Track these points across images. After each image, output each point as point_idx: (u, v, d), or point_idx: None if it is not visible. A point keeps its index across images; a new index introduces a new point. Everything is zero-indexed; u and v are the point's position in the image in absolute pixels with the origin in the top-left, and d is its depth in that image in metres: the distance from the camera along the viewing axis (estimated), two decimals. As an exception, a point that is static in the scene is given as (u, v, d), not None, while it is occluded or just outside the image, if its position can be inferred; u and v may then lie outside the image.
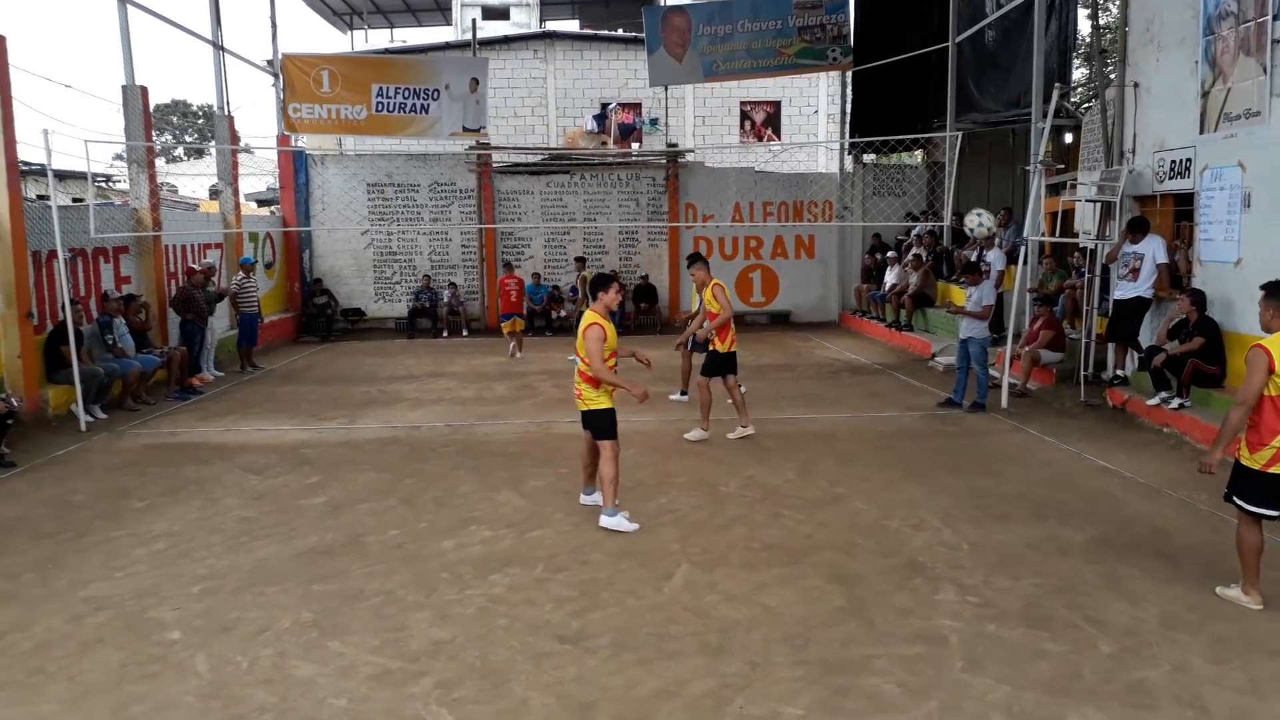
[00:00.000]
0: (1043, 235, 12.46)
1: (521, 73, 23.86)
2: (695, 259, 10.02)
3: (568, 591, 5.52)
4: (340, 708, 4.22)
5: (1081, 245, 12.04)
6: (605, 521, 6.57)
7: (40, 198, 14.51)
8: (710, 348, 9.53)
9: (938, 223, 16.41)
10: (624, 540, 6.40)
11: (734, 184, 19.69)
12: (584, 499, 7.12)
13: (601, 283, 6.82)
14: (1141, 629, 4.94)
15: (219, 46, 16.56)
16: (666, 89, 20.24)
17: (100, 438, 9.75)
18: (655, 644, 4.82)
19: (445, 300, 19.20)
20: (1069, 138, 15.69)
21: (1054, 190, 13.38)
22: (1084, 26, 18.93)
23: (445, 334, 18.86)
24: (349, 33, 31.55)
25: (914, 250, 17.25)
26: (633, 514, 6.97)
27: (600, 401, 6.63)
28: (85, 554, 6.28)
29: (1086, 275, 11.48)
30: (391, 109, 18.12)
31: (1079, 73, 22.23)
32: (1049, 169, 12.02)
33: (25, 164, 11.55)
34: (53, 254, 10.67)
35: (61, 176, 12.52)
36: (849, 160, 20.55)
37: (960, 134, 12.92)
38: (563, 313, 19.12)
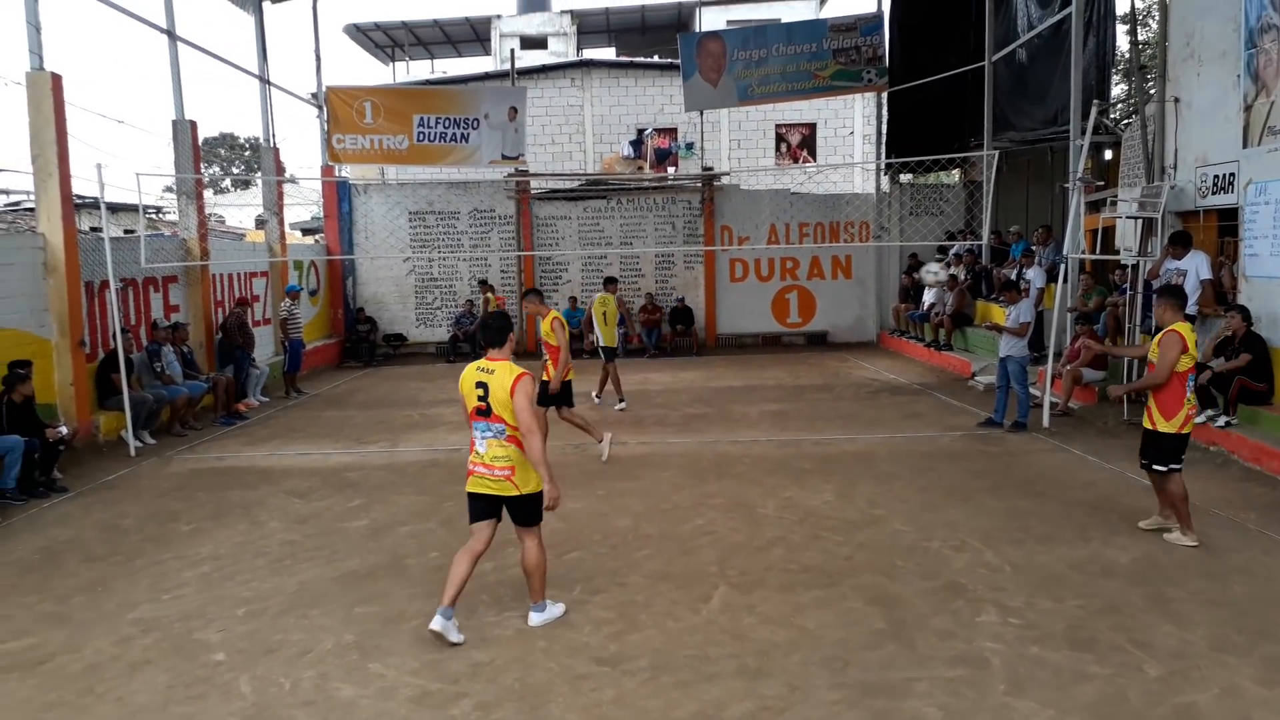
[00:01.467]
0: (1083, 253, 12.33)
1: (559, 100, 24.15)
2: (528, 293, 10.30)
3: (605, 614, 5.54)
4: (381, 728, 4.27)
5: (1123, 262, 11.89)
6: (538, 619, 5.34)
7: (93, 229, 14.92)
8: (545, 378, 9.67)
9: (976, 241, 16.28)
10: (661, 562, 6.40)
11: (769, 206, 19.73)
12: (439, 623, 5.05)
13: (509, 325, 5.36)
14: (1189, 651, 4.84)
15: (265, 81, 16.96)
16: (702, 113, 20.36)
17: (149, 463, 9.96)
18: (693, 666, 4.81)
19: (485, 324, 19.38)
20: (1108, 154, 15.53)
21: (1094, 207, 13.24)
22: (1122, 42, 18.77)
23: (485, 358, 18.99)
24: (391, 65, 32.15)
25: (951, 270, 17.12)
26: (669, 535, 6.98)
27: (536, 480, 5.18)
28: (134, 577, 6.41)
29: (1129, 292, 11.33)
30: (432, 138, 18.42)
31: (1118, 89, 22.01)
32: (1088, 186, 11.91)
33: (79, 197, 11.90)
34: (105, 284, 10.97)
35: (113, 209, 12.88)
36: (885, 180, 20.50)
37: (997, 153, 12.85)
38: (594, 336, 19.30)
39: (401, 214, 19.98)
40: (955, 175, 22.14)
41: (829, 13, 27.89)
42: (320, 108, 18.87)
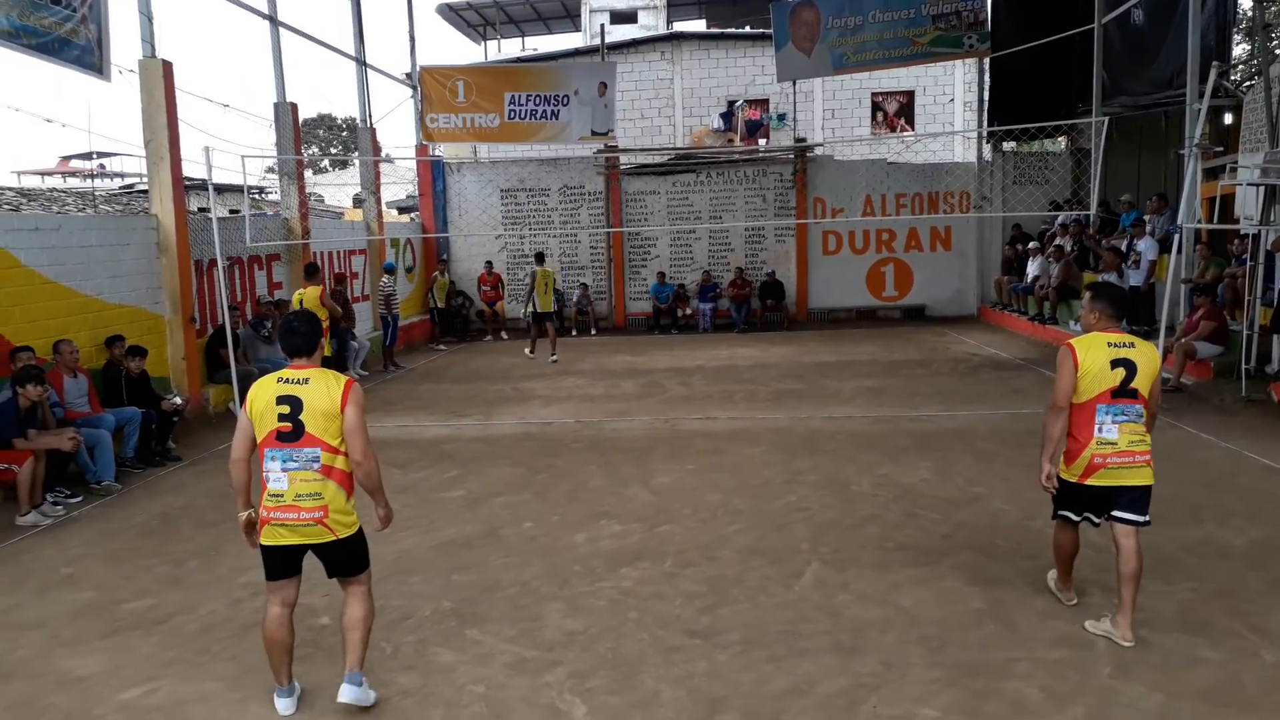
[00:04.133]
0: (1199, 222, 11.74)
1: (649, 74, 24.05)
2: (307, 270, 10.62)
3: (697, 587, 5.54)
4: (478, 694, 4.36)
5: (1243, 232, 11.29)
6: (354, 695, 4.15)
7: (201, 210, 15.50)
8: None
9: (1083, 211, 15.65)
10: (753, 537, 6.37)
11: (865, 177, 19.32)
12: (285, 704, 4.22)
13: (320, 329, 4.34)
14: (1313, 639, 4.60)
15: (362, 62, 17.30)
16: (795, 84, 20.03)
17: (257, 434, 10.33)
18: (786, 642, 4.78)
19: (575, 300, 19.57)
20: (1228, 118, 14.74)
21: (1211, 174, 12.58)
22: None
23: (574, 333, 19.19)
24: (483, 43, 32.46)
25: (1056, 240, 16.52)
26: (760, 511, 6.94)
27: (354, 518, 4.19)
28: (243, 543, 6.66)
29: (1249, 263, 10.75)
30: (523, 116, 18.58)
31: (1239, 49, 20.82)
32: (1206, 152, 11.31)
33: (188, 179, 12.37)
34: (213, 262, 11.39)
35: (219, 190, 13.39)
36: (987, 149, 19.86)
37: (1107, 119, 12.29)
38: (688, 310, 19.26)
39: (493, 192, 20.22)
40: (1061, 143, 21.30)
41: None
42: (414, 88, 19.20)
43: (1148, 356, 4.62)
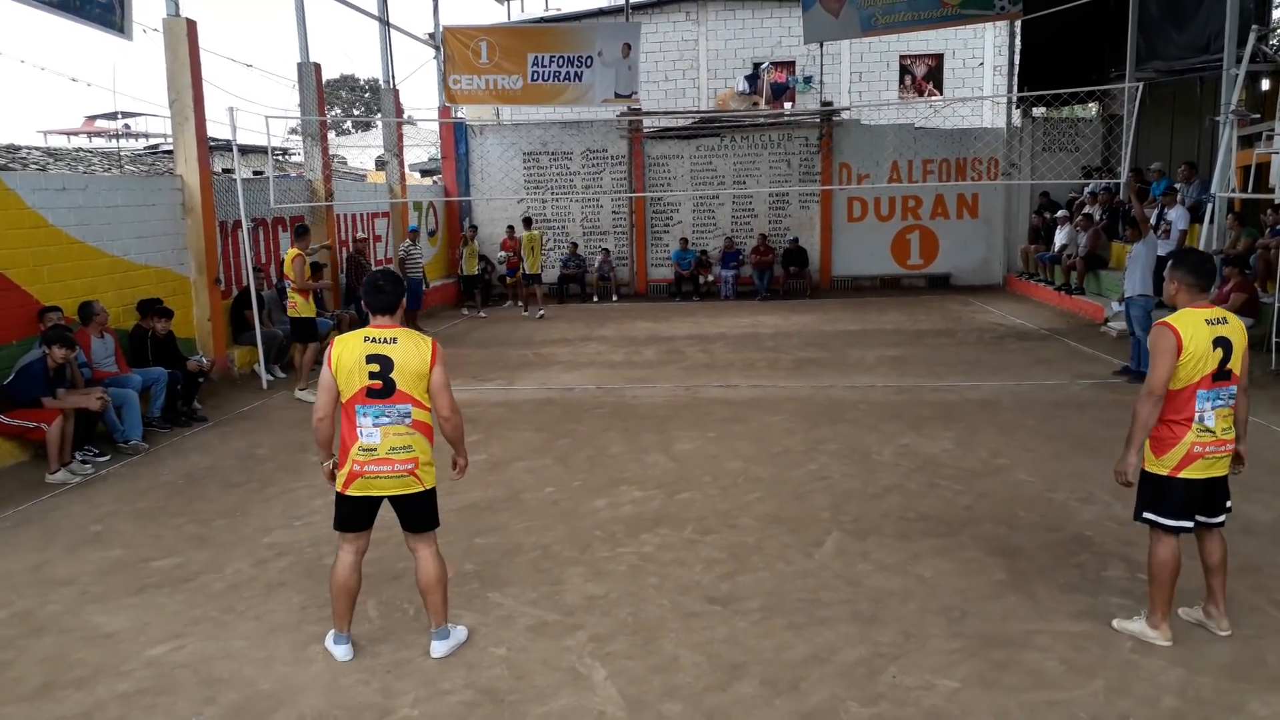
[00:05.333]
0: (1233, 191, 11.52)
1: (673, 36, 23.71)
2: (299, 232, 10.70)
3: (717, 554, 5.56)
4: (499, 656, 4.40)
5: (1278, 201, 11.07)
6: (446, 648, 4.39)
7: (225, 171, 15.53)
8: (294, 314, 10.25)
9: (1113, 180, 15.40)
10: (773, 505, 6.37)
11: (892, 142, 19.07)
12: (344, 650, 4.38)
13: (403, 288, 4.42)
14: (1339, 616, 4.56)
15: (385, 22, 17.18)
16: (822, 46, 19.73)
17: (280, 395, 10.43)
18: (806, 609, 4.79)
19: (596, 266, 19.50)
20: (1265, 84, 14.41)
21: (1246, 142, 12.32)
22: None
23: (595, 299, 19.16)
24: (505, 3, 32.10)
25: (1085, 209, 16.29)
26: (780, 479, 6.94)
27: (434, 473, 4.38)
28: (268, 503, 6.75)
29: (1283, 234, 10.56)
30: (546, 77, 18.43)
31: (1279, 12, 20.29)
32: (1242, 119, 11.08)
33: (211, 140, 12.37)
34: (237, 224, 11.44)
35: (242, 151, 13.37)
36: (1017, 114, 19.55)
37: (1141, 85, 12.04)
38: (710, 277, 19.16)
39: (516, 155, 20.13)
40: (1092, 109, 20.93)
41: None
42: (437, 48, 19.05)
43: (1240, 331, 4.24)
